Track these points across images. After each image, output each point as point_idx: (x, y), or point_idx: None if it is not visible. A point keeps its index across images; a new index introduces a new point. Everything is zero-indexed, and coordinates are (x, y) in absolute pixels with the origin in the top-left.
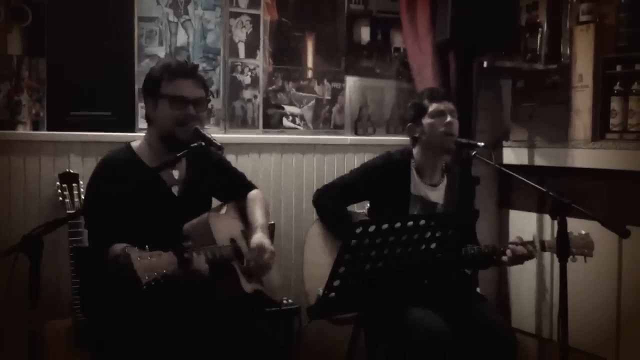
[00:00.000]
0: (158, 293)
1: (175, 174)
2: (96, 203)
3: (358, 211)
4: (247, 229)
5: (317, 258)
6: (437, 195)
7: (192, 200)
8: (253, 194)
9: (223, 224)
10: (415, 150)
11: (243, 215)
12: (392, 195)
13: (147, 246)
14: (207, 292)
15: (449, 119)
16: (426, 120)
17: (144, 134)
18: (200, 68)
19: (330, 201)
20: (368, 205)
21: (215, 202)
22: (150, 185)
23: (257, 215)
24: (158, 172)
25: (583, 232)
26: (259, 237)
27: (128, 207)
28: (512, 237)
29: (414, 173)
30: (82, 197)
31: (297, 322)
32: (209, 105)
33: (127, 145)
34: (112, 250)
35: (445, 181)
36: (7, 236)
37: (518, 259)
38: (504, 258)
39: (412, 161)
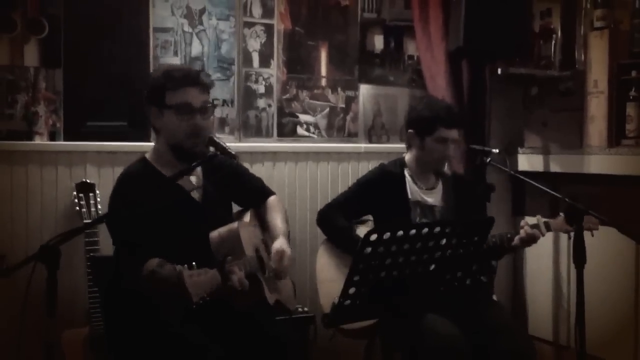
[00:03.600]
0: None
1: (193, 179)
2: (122, 220)
3: (366, 219)
4: (267, 236)
5: (329, 275)
6: (434, 198)
7: (214, 204)
8: (272, 200)
9: (248, 234)
10: (408, 157)
11: (262, 221)
12: (391, 205)
13: (194, 263)
14: (235, 304)
15: (451, 148)
16: (429, 142)
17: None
18: (204, 73)
19: (334, 219)
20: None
21: (234, 207)
22: (171, 193)
23: (278, 222)
24: (175, 181)
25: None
26: (280, 243)
27: (153, 218)
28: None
29: (408, 180)
30: (99, 206)
31: (312, 330)
32: (225, 114)
33: (142, 157)
34: (147, 266)
35: (440, 184)
36: (24, 245)
37: (530, 240)
38: (515, 242)
39: (406, 169)
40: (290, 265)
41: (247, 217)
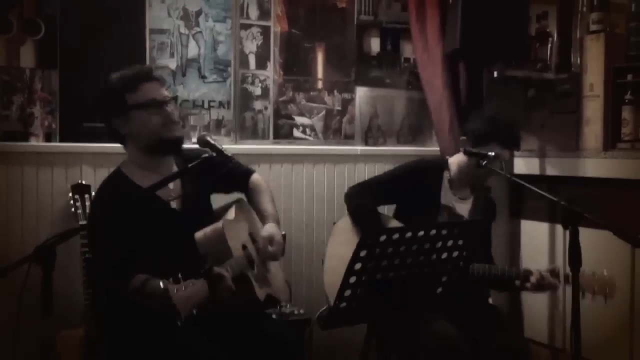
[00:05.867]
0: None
1: (171, 186)
2: (102, 238)
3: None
4: (254, 226)
5: (339, 251)
6: (464, 209)
7: (193, 211)
8: (254, 181)
9: (235, 231)
10: (452, 160)
11: (247, 208)
12: (421, 200)
13: (180, 275)
14: (225, 304)
15: (499, 166)
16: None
17: None
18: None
19: (362, 197)
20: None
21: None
22: (148, 205)
23: (265, 206)
24: (153, 192)
25: (606, 272)
26: (270, 227)
27: (132, 234)
28: (524, 247)
29: (445, 183)
30: None
31: (307, 332)
32: (221, 116)
33: (117, 169)
34: (131, 284)
35: (472, 198)
36: (20, 246)
37: (544, 287)
38: (528, 284)
39: (446, 172)
40: (279, 250)
41: (232, 213)
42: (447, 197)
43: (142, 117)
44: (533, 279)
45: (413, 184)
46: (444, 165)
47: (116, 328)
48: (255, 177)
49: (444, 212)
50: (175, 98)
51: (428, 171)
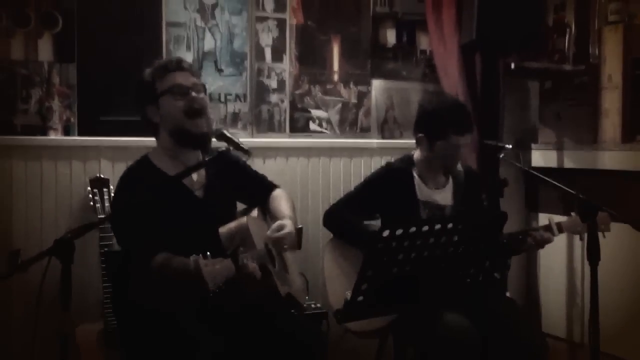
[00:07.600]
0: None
1: (195, 177)
2: (126, 221)
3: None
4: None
5: (336, 270)
6: (444, 197)
7: (217, 202)
8: (277, 192)
9: (257, 229)
10: (417, 155)
11: (270, 216)
12: (399, 205)
13: (208, 253)
14: (249, 294)
15: (461, 152)
16: (440, 146)
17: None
18: (187, 61)
19: (342, 216)
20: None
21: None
22: (173, 192)
23: (283, 208)
24: (180, 180)
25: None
26: (283, 220)
27: (156, 218)
28: None
29: (417, 179)
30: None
31: (324, 326)
32: (237, 109)
33: (144, 156)
34: (155, 260)
35: (450, 182)
36: (39, 240)
37: (540, 245)
38: (527, 244)
39: (414, 168)
40: (290, 236)
41: (255, 212)
42: (422, 192)
43: (168, 101)
44: (530, 239)
45: (386, 193)
46: (411, 163)
47: (125, 317)
48: (278, 190)
49: (425, 208)
50: (204, 86)
51: (396, 174)
